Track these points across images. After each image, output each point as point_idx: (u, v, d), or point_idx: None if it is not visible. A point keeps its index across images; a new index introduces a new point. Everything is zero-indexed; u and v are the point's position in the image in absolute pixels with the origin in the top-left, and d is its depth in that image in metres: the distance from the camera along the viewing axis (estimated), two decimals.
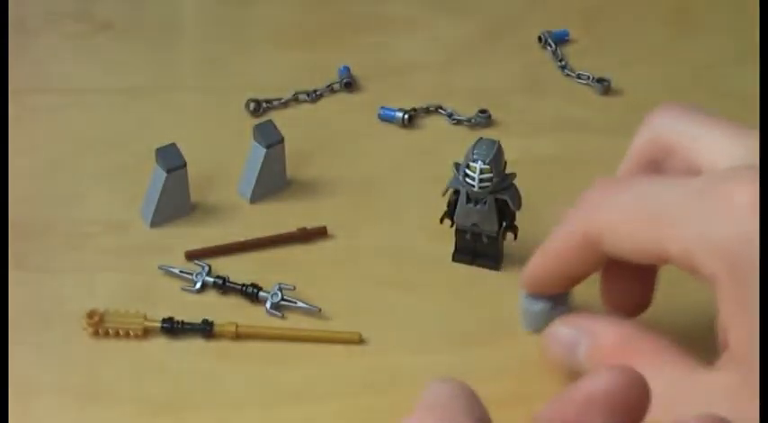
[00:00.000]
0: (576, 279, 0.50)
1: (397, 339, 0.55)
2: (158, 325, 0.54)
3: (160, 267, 0.58)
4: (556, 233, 0.49)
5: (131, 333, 0.54)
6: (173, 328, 0.54)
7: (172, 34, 0.75)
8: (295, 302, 0.56)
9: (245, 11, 0.77)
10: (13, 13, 0.74)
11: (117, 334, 0.54)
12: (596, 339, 0.46)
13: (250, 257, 0.59)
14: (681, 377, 0.43)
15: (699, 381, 0.42)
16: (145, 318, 0.55)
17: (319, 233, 0.60)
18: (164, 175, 0.59)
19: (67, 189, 0.63)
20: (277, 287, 0.56)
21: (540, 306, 0.53)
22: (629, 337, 0.46)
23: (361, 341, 0.55)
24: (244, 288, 0.56)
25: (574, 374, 0.52)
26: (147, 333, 0.55)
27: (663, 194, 0.44)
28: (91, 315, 0.54)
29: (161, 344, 0.54)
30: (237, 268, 0.58)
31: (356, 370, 0.53)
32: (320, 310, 0.56)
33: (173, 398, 0.52)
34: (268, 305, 0.56)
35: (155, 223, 0.60)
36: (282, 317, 0.56)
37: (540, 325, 0.53)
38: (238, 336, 0.54)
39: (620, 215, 0.45)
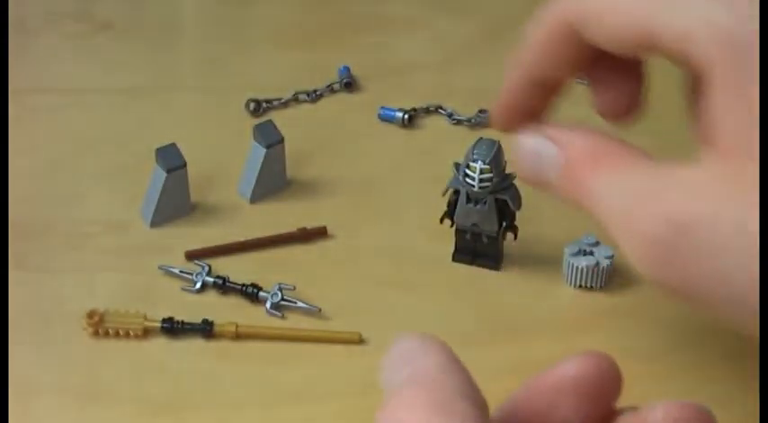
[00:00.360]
0: (551, 86, 0.45)
1: None
2: (158, 325, 0.54)
3: (160, 267, 0.58)
4: (531, 27, 0.44)
5: (131, 333, 0.54)
6: (173, 328, 0.54)
7: (172, 34, 0.75)
8: (295, 302, 0.56)
9: (245, 11, 0.77)
10: (13, 13, 0.74)
11: (117, 334, 0.54)
12: (566, 150, 0.41)
13: (250, 257, 0.59)
14: (657, 174, 0.38)
15: (678, 175, 0.37)
16: (145, 318, 0.55)
17: (319, 233, 0.60)
18: (164, 175, 0.59)
19: (67, 189, 0.63)
20: (277, 287, 0.56)
21: (584, 261, 0.55)
22: (598, 143, 0.41)
23: (361, 341, 0.55)
24: (244, 288, 0.56)
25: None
26: (147, 333, 0.55)
27: None
28: (91, 315, 0.54)
29: (161, 344, 0.54)
30: (237, 268, 0.58)
31: (356, 370, 0.53)
32: (320, 310, 0.56)
33: (173, 398, 0.52)
34: (268, 305, 0.56)
35: (155, 223, 0.60)
36: (282, 317, 0.56)
37: (584, 281, 0.56)
38: (238, 336, 0.54)
39: None
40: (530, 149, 0.43)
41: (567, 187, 0.40)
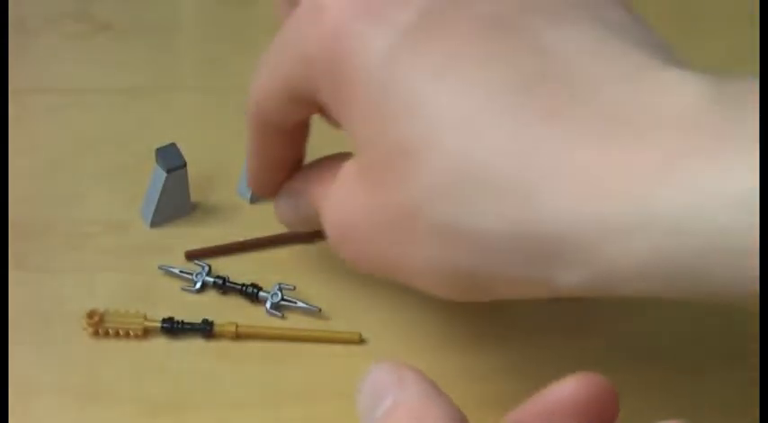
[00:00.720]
0: (285, 165, 0.51)
1: (397, 339, 0.55)
2: (158, 325, 0.54)
3: (160, 267, 0.58)
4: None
5: (131, 333, 0.54)
6: (173, 328, 0.54)
7: (172, 34, 0.75)
8: (295, 302, 0.56)
9: (245, 11, 0.77)
10: (13, 13, 0.74)
11: (117, 334, 0.54)
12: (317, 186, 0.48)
13: (250, 257, 0.59)
14: (335, 165, 0.44)
15: (341, 166, 0.43)
16: (145, 318, 0.55)
17: (319, 234, 0.59)
18: (164, 175, 0.59)
19: (67, 189, 0.63)
20: (277, 287, 0.56)
21: None
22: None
23: (361, 341, 0.55)
24: (244, 288, 0.56)
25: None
26: (147, 333, 0.55)
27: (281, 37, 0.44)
28: (91, 315, 0.54)
29: (161, 344, 0.55)
30: (237, 268, 0.58)
31: (356, 370, 0.53)
32: (320, 310, 0.56)
33: (173, 398, 0.52)
34: (268, 305, 0.56)
35: (155, 223, 0.60)
36: (282, 317, 0.56)
37: None
38: (238, 336, 0.54)
39: (265, 71, 0.46)
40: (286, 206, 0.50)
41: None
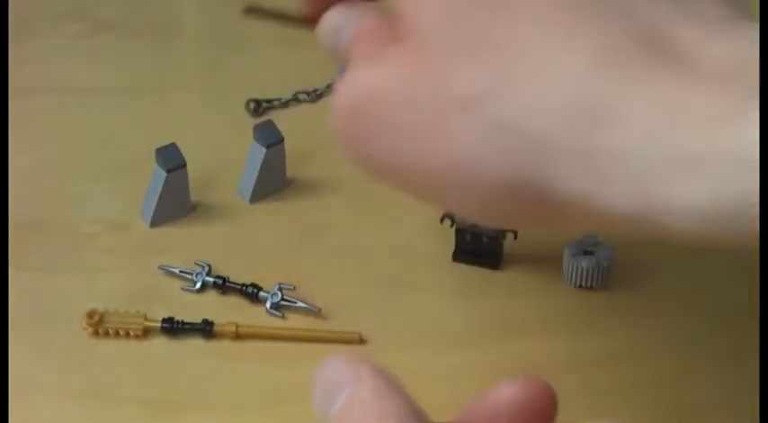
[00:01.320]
0: None
1: (397, 339, 0.55)
2: (158, 325, 0.54)
3: (160, 267, 0.58)
4: None
5: (131, 333, 0.54)
6: (173, 328, 0.54)
7: (172, 34, 0.75)
8: (295, 302, 0.56)
9: None
10: (14, 13, 0.74)
11: (117, 334, 0.54)
12: (359, 24, 0.40)
13: (250, 257, 0.59)
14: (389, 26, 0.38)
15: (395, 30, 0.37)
16: (145, 318, 0.55)
17: None
18: (164, 175, 0.59)
19: (67, 189, 0.63)
20: (277, 287, 0.56)
21: (584, 261, 0.55)
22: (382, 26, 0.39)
23: (361, 341, 0.55)
24: (244, 288, 0.56)
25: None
26: (147, 333, 0.55)
27: None
28: (91, 315, 0.54)
29: (161, 344, 0.55)
30: (237, 268, 0.58)
31: None
32: (320, 310, 0.56)
33: (173, 398, 0.52)
34: (268, 305, 0.56)
35: (155, 223, 0.60)
36: (282, 317, 0.56)
37: (584, 280, 0.56)
38: (238, 336, 0.54)
39: None
40: (332, 23, 0.43)
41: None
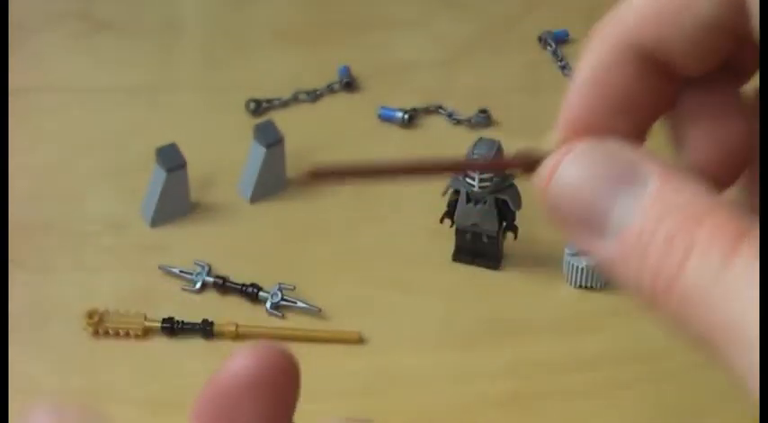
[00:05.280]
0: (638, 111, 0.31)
1: (397, 339, 0.55)
2: (158, 325, 0.54)
3: (160, 267, 0.58)
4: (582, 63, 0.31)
5: (131, 333, 0.54)
6: (173, 328, 0.54)
7: (172, 34, 0.75)
8: (295, 302, 0.56)
9: (245, 11, 0.77)
10: (14, 12, 0.74)
11: (117, 334, 0.54)
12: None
13: (250, 257, 0.59)
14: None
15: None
16: (145, 318, 0.55)
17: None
18: (164, 175, 0.59)
19: (67, 189, 0.63)
20: (277, 287, 0.56)
21: (584, 261, 0.55)
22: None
23: (361, 341, 0.55)
24: (244, 288, 0.56)
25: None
26: (147, 333, 0.55)
27: None
28: (91, 315, 0.54)
29: (161, 344, 0.54)
30: (237, 268, 0.58)
31: (356, 370, 0.53)
32: (320, 310, 0.56)
33: (173, 398, 0.52)
34: (268, 305, 0.56)
35: (155, 223, 0.60)
36: (282, 317, 0.56)
37: (584, 281, 0.56)
38: (238, 336, 0.54)
39: None
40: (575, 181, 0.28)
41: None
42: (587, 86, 0.32)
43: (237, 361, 0.29)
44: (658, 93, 0.31)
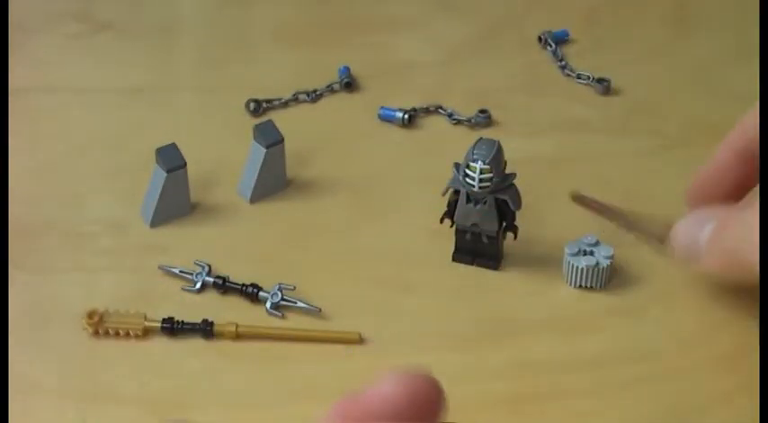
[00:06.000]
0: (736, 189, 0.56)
1: (397, 339, 0.55)
2: (158, 325, 0.54)
3: (160, 267, 0.58)
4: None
5: (131, 333, 0.54)
6: (173, 328, 0.54)
7: (172, 34, 0.75)
8: (295, 302, 0.56)
9: (245, 11, 0.77)
10: (14, 13, 0.74)
11: (117, 334, 0.54)
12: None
13: (250, 257, 0.59)
14: None
15: None
16: (145, 318, 0.55)
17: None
18: (164, 175, 0.59)
19: (67, 189, 0.63)
20: (277, 287, 0.56)
21: (584, 261, 0.56)
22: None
23: (361, 341, 0.55)
24: (244, 288, 0.56)
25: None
26: (147, 333, 0.55)
27: None
28: (91, 315, 0.54)
29: (161, 344, 0.55)
30: (237, 268, 0.58)
31: (356, 370, 0.53)
32: (320, 310, 0.56)
33: (173, 398, 0.52)
34: (268, 305, 0.56)
35: (155, 223, 0.60)
36: (282, 317, 0.56)
37: (584, 281, 0.57)
38: (238, 336, 0.54)
39: None
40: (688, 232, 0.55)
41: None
42: (710, 176, 0.56)
43: (388, 386, 0.31)
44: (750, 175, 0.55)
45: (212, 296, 0.57)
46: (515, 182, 0.56)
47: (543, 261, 0.58)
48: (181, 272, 0.57)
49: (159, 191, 0.59)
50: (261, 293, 0.56)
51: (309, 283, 0.57)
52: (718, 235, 0.52)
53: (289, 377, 0.53)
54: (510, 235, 0.58)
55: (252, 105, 0.68)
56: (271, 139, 0.61)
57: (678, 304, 0.57)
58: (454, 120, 0.68)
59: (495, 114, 0.68)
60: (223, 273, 0.57)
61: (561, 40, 0.74)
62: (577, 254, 0.57)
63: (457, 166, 0.56)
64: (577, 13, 0.77)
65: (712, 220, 0.53)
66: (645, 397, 0.52)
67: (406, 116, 0.67)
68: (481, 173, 0.55)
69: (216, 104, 0.69)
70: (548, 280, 0.58)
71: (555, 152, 0.66)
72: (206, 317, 0.55)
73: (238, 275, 0.57)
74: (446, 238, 0.59)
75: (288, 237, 0.60)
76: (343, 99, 0.70)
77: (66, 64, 0.73)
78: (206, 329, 0.54)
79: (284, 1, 0.78)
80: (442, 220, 0.58)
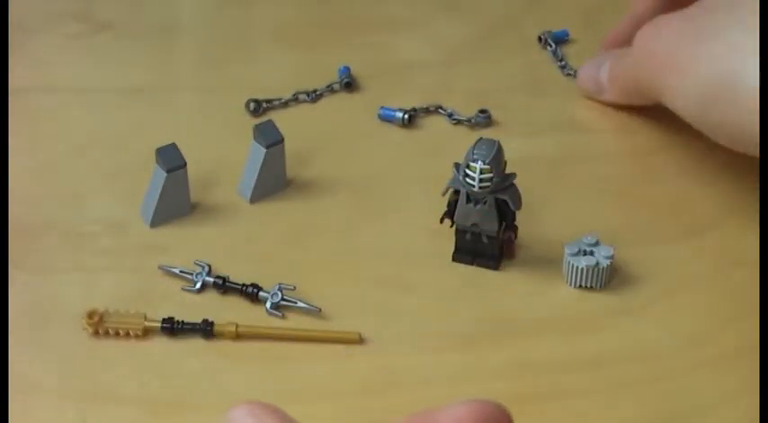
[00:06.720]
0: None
1: (397, 339, 0.55)
2: (158, 325, 0.54)
3: (160, 267, 0.58)
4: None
5: (131, 333, 0.54)
6: (173, 328, 0.54)
7: (172, 34, 0.75)
8: (295, 302, 0.56)
9: (245, 11, 0.77)
10: (14, 13, 0.74)
11: (117, 334, 0.54)
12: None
13: (250, 257, 0.59)
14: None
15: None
16: (145, 318, 0.55)
17: None
18: (164, 175, 0.59)
19: (67, 189, 0.63)
20: (277, 287, 0.56)
21: (584, 261, 0.56)
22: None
23: (361, 341, 0.55)
24: (244, 288, 0.56)
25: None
26: (147, 333, 0.55)
27: None
28: (91, 315, 0.54)
29: (161, 344, 0.55)
30: (237, 268, 0.58)
31: (356, 370, 0.53)
32: (320, 310, 0.56)
33: (173, 398, 0.52)
34: (268, 305, 0.56)
35: (155, 223, 0.60)
36: (282, 317, 0.56)
37: (584, 281, 0.56)
38: (238, 336, 0.54)
39: None
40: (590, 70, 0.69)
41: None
42: (624, 28, 0.68)
43: (461, 407, 0.32)
44: None
45: (212, 296, 0.57)
46: (515, 182, 0.56)
47: (543, 261, 0.58)
48: (181, 272, 0.57)
49: (159, 191, 0.59)
50: (261, 293, 0.56)
51: (309, 283, 0.57)
52: (613, 70, 0.66)
53: (289, 377, 0.53)
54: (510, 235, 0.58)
55: (252, 105, 0.68)
56: (271, 139, 0.61)
57: (678, 304, 0.57)
58: (454, 120, 0.68)
59: (495, 114, 0.68)
60: (223, 273, 0.57)
61: (561, 40, 0.74)
62: (577, 254, 0.57)
63: (457, 166, 0.56)
64: (577, 13, 0.77)
65: (606, 60, 0.67)
66: (645, 397, 0.52)
67: (406, 116, 0.67)
68: (481, 173, 0.55)
69: (216, 104, 0.69)
70: (548, 280, 0.58)
71: (555, 152, 0.66)
72: (206, 317, 0.55)
73: (238, 275, 0.57)
74: (446, 238, 0.59)
75: (288, 237, 0.60)
76: (343, 99, 0.70)
77: (66, 64, 0.73)
78: (206, 329, 0.54)
79: (284, 1, 0.78)
80: (442, 220, 0.58)
